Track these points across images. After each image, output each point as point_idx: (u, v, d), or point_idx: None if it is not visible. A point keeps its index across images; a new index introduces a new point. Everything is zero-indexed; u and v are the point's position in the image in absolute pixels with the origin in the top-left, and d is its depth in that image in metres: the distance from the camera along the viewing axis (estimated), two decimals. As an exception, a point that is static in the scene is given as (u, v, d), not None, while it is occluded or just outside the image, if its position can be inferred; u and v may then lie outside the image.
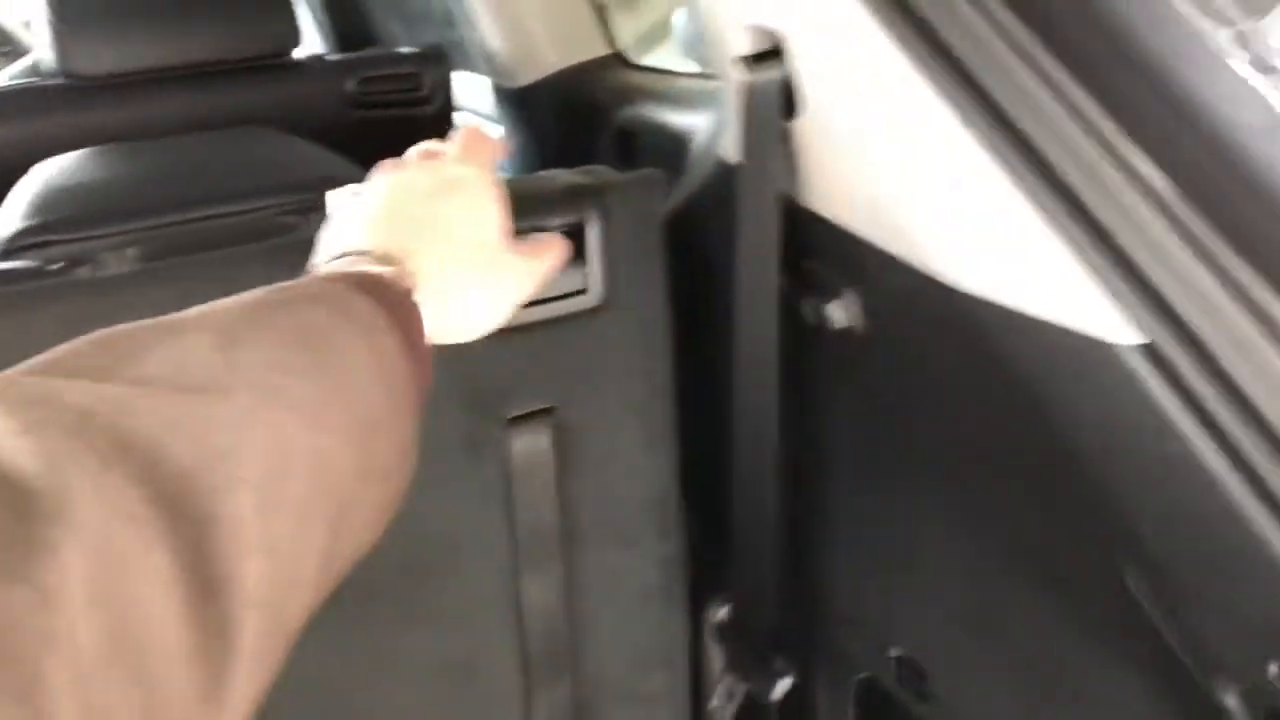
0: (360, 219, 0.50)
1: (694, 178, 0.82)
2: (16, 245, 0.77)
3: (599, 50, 1.26)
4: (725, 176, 0.72)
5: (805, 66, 0.51)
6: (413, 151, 0.54)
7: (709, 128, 0.89)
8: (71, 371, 0.32)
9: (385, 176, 0.52)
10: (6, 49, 2.83)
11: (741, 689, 0.79)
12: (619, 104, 1.13)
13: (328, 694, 0.73)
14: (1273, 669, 0.36)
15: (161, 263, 0.61)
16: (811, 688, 0.74)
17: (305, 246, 0.50)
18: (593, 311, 0.74)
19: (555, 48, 1.26)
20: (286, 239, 0.63)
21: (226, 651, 0.29)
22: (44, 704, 0.23)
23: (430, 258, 0.48)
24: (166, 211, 0.79)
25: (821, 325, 0.59)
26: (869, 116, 0.48)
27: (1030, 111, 0.41)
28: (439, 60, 1.39)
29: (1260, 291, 0.35)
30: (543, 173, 0.76)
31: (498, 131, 1.42)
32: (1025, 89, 0.41)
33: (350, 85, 1.33)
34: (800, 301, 0.60)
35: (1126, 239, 0.37)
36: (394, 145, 0.55)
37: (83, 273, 0.67)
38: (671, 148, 0.97)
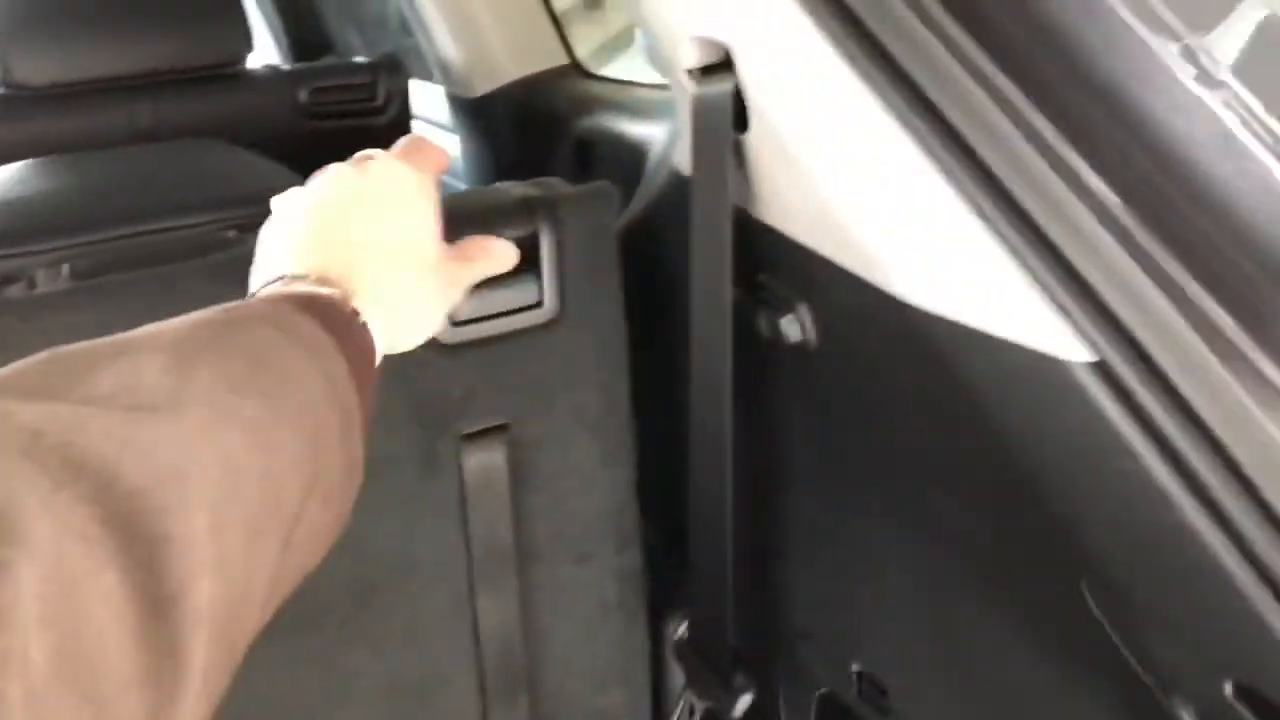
0: (293, 238, 0.49)
1: (650, 189, 0.82)
2: (-53, 262, 0.74)
3: (557, 60, 1.25)
4: (680, 188, 0.71)
5: (753, 79, 0.51)
6: (351, 160, 0.53)
7: (665, 138, 0.89)
8: (22, 391, 0.32)
9: (317, 186, 0.51)
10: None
11: (702, 705, 0.78)
12: (577, 114, 1.13)
13: (281, 717, 0.72)
14: (1228, 688, 0.36)
15: (97, 280, 0.59)
16: (772, 704, 0.74)
17: (248, 262, 0.49)
18: (547, 325, 0.73)
19: (512, 57, 1.25)
20: (228, 254, 0.61)
21: (177, 671, 0.29)
22: None
23: (366, 275, 0.47)
24: (104, 226, 0.77)
25: (776, 339, 0.58)
26: (816, 130, 0.47)
27: (978, 126, 0.40)
28: (394, 69, 1.37)
29: (1210, 307, 0.35)
30: (495, 185, 0.75)
31: (453, 141, 1.41)
32: (973, 103, 0.41)
33: (302, 95, 1.31)
34: (755, 315, 0.59)
35: (1076, 255, 0.37)
36: (348, 156, 0.54)
37: (14, 291, 0.65)
38: (629, 158, 0.96)
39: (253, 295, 0.46)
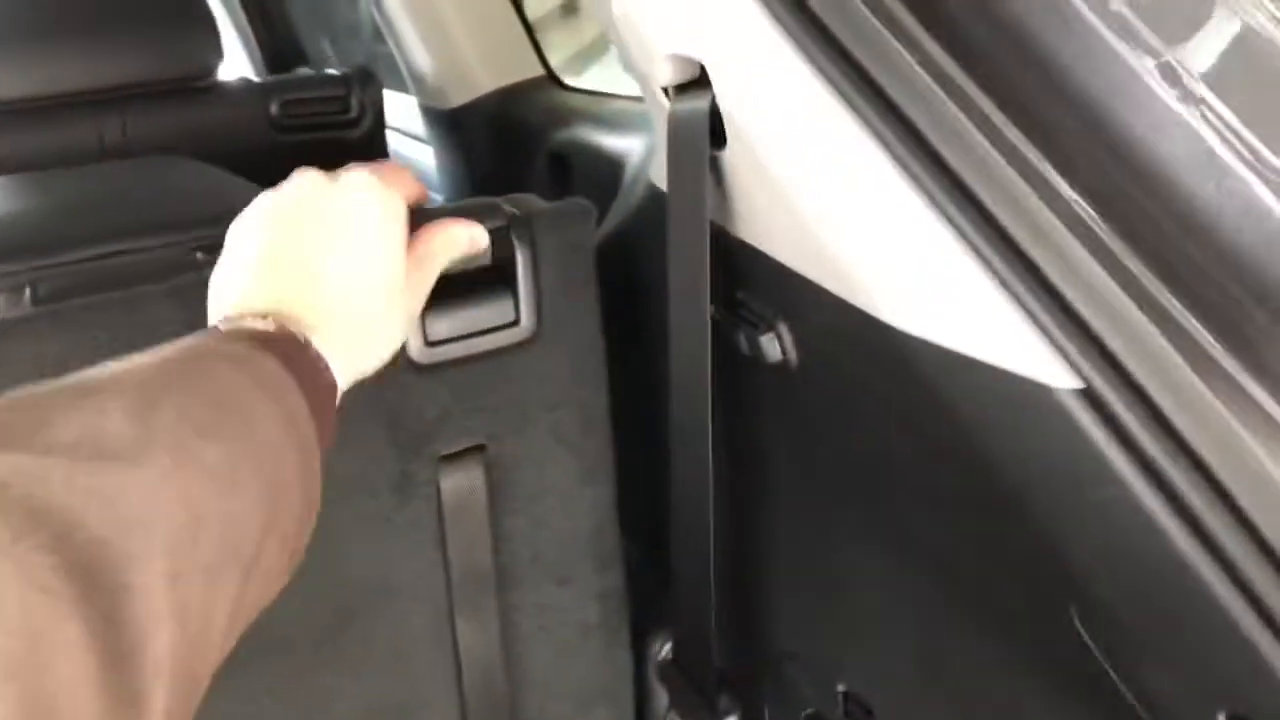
0: (251, 264, 0.48)
1: (627, 203, 0.81)
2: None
3: (531, 71, 1.24)
4: (657, 203, 0.70)
5: (728, 96, 0.50)
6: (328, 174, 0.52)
7: (642, 152, 0.88)
8: None
9: (282, 198, 0.50)
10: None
11: (687, 727, 0.77)
12: (552, 126, 1.12)
13: (258, 746, 0.70)
14: (1221, 718, 0.35)
15: (60, 305, 0.58)
16: (758, 724, 0.73)
17: None
18: (523, 344, 0.72)
19: (486, 69, 1.24)
20: (193, 278, 0.60)
21: None
22: None
23: (326, 305, 0.47)
24: (67, 248, 0.75)
25: (756, 357, 0.57)
26: (793, 148, 0.46)
27: (957, 146, 0.40)
28: (368, 81, 1.36)
29: (1197, 331, 0.35)
30: (467, 201, 0.74)
31: (427, 153, 1.40)
32: (952, 123, 0.40)
33: (274, 108, 1.29)
34: (734, 333, 0.59)
35: (1060, 279, 0.36)
36: (322, 170, 0.52)
37: (-26, 317, 0.63)
38: (606, 171, 0.95)
39: (214, 326, 0.45)
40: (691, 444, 0.61)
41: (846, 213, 0.44)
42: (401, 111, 1.50)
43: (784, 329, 0.55)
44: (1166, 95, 0.41)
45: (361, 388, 0.69)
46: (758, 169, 0.49)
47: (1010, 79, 0.41)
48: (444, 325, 0.69)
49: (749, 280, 0.57)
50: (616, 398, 0.77)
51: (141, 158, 1.08)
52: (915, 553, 0.52)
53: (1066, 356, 0.36)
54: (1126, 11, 0.43)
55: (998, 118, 0.41)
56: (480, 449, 0.73)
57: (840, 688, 0.64)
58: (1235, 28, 0.52)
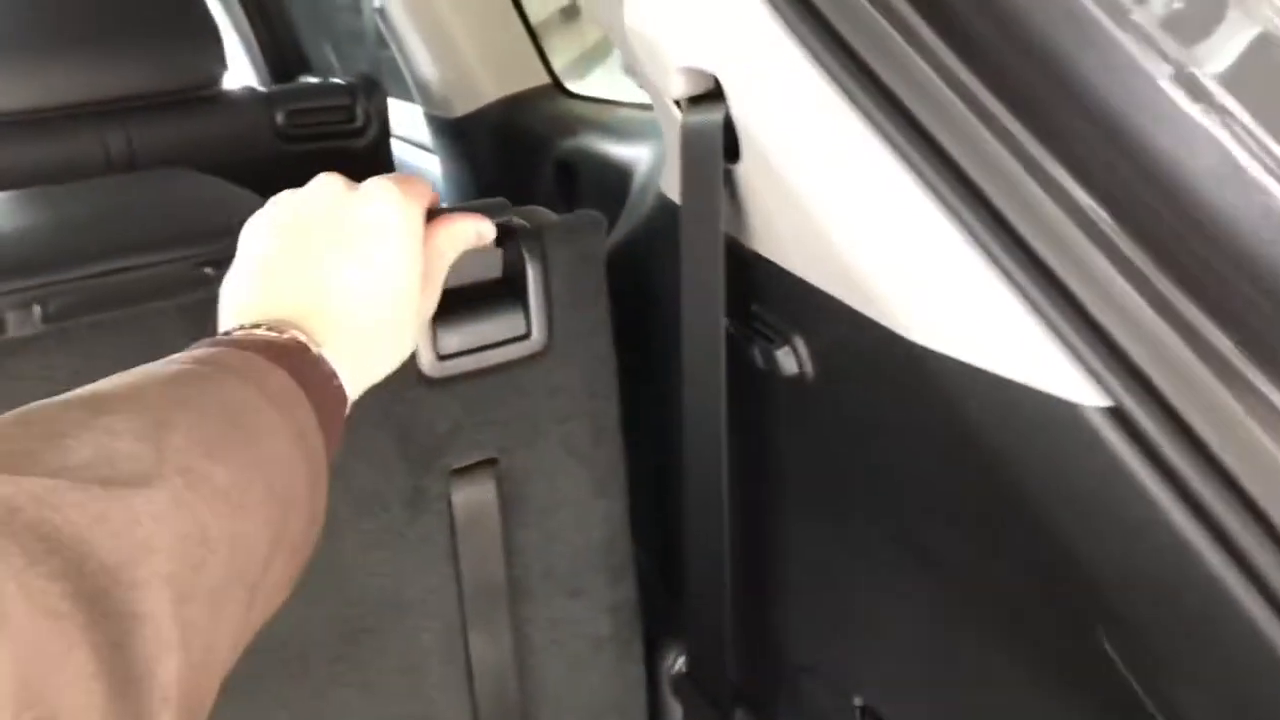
0: (262, 274, 0.47)
1: (636, 213, 0.80)
2: (-87, 304, 0.72)
3: (537, 79, 1.24)
4: (667, 214, 0.70)
5: (743, 109, 0.49)
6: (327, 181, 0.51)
7: (650, 161, 0.87)
8: None
9: (299, 200, 0.50)
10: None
11: (701, 741, 0.77)
12: (559, 135, 1.11)
13: (269, 763, 0.70)
14: (1251, 741, 0.35)
15: (69, 323, 0.57)
16: (773, 737, 0.72)
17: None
18: (534, 357, 0.71)
19: (492, 77, 1.24)
20: (203, 294, 0.59)
21: None
22: None
23: (336, 314, 0.47)
24: (75, 264, 0.75)
25: (772, 371, 0.57)
26: (810, 162, 0.46)
27: (978, 159, 0.39)
28: (372, 89, 1.35)
29: (1227, 348, 0.34)
30: (474, 202, 0.73)
31: (432, 162, 1.39)
32: (971, 135, 0.39)
33: (279, 118, 1.29)
34: (749, 346, 0.58)
35: (1085, 295, 0.36)
36: None
37: (-15, 335, 0.63)
38: (613, 180, 0.95)
39: (225, 334, 0.45)
40: (705, 457, 0.61)
41: (865, 226, 0.44)
42: (406, 120, 1.49)
43: (799, 342, 0.55)
44: (1187, 104, 0.40)
45: (373, 403, 0.69)
46: (773, 182, 0.49)
47: (1028, 89, 0.41)
48: (455, 339, 0.68)
49: (763, 293, 0.57)
50: (624, 408, 0.77)
51: (147, 171, 1.08)
52: (934, 568, 0.52)
53: (1094, 374, 0.36)
54: (1145, 20, 0.42)
55: (1017, 129, 0.40)
56: (492, 462, 0.73)
57: (857, 702, 0.63)
58: (1254, 32, 0.52)
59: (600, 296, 0.73)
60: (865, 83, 0.42)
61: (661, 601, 0.85)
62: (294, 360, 0.43)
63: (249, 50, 1.97)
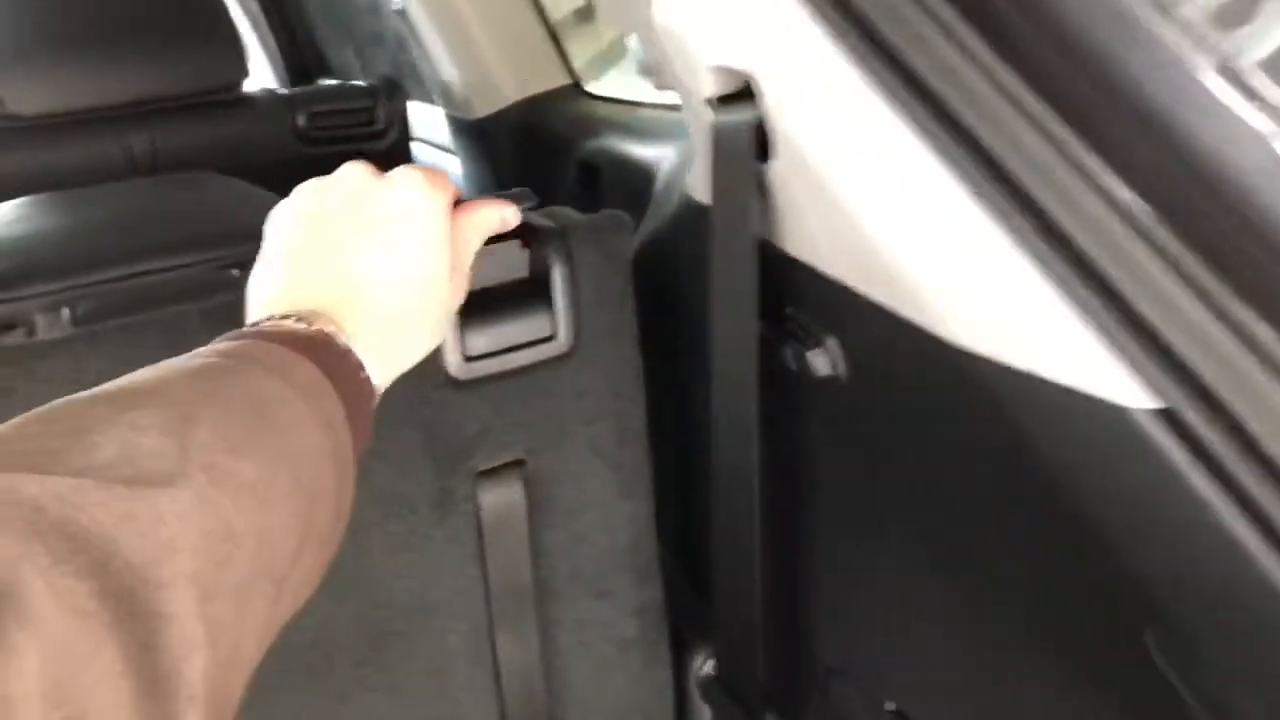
0: (288, 264, 0.47)
1: (661, 214, 0.80)
2: (-56, 309, 0.73)
3: (558, 80, 1.24)
4: (695, 216, 0.69)
5: (777, 108, 0.49)
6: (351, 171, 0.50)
7: (675, 161, 0.87)
8: (22, 460, 0.32)
9: (326, 188, 0.49)
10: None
11: (729, 744, 0.76)
12: (580, 136, 1.11)
13: (297, 763, 0.70)
14: (1306, 748, 0.34)
15: (97, 326, 0.58)
16: (802, 742, 0.72)
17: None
18: (561, 359, 0.71)
19: (512, 79, 1.24)
20: (230, 297, 0.59)
21: None
22: None
23: (365, 304, 0.46)
24: (103, 267, 0.76)
25: (803, 372, 0.56)
26: (847, 160, 0.45)
27: (1021, 157, 0.38)
28: (393, 92, 1.35)
29: (1278, 348, 0.33)
30: (496, 194, 0.73)
31: (453, 163, 1.39)
32: (1016, 134, 0.39)
33: (301, 120, 1.29)
34: (780, 348, 0.58)
35: (1135, 295, 0.35)
36: None
37: (14, 338, 0.63)
38: (636, 181, 0.94)
39: (252, 326, 0.45)
40: (736, 458, 0.60)
41: (904, 226, 0.43)
42: (427, 122, 1.49)
43: (833, 344, 0.54)
44: (1231, 98, 0.39)
45: (400, 404, 0.69)
46: (808, 182, 0.48)
47: (1070, 86, 0.40)
48: (482, 340, 0.68)
49: (796, 294, 0.56)
50: (652, 410, 0.76)
51: (170, 174, 1.08)
52: (971, 572, 0.51)
53: (1144, 376, 0.35)
54: (1189, 14, 0.42)
55: (1060, 128, 0.40)
56: (519, 464, 0.72)
57: (889, 706, 0.62)
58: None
59: (626, 297, 0.73)
60: (905, 80, 0.41)
61: (687, 603, 0.85)
62: (321, 351, 0.42)
63: (268, 53, 1.98)
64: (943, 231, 0.41)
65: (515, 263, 0.70)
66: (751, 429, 0.58)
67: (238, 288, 0.49)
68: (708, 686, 0.77)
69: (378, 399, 0.47)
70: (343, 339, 0.44)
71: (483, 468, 0.71)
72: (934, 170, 0.41)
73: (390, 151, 1.34)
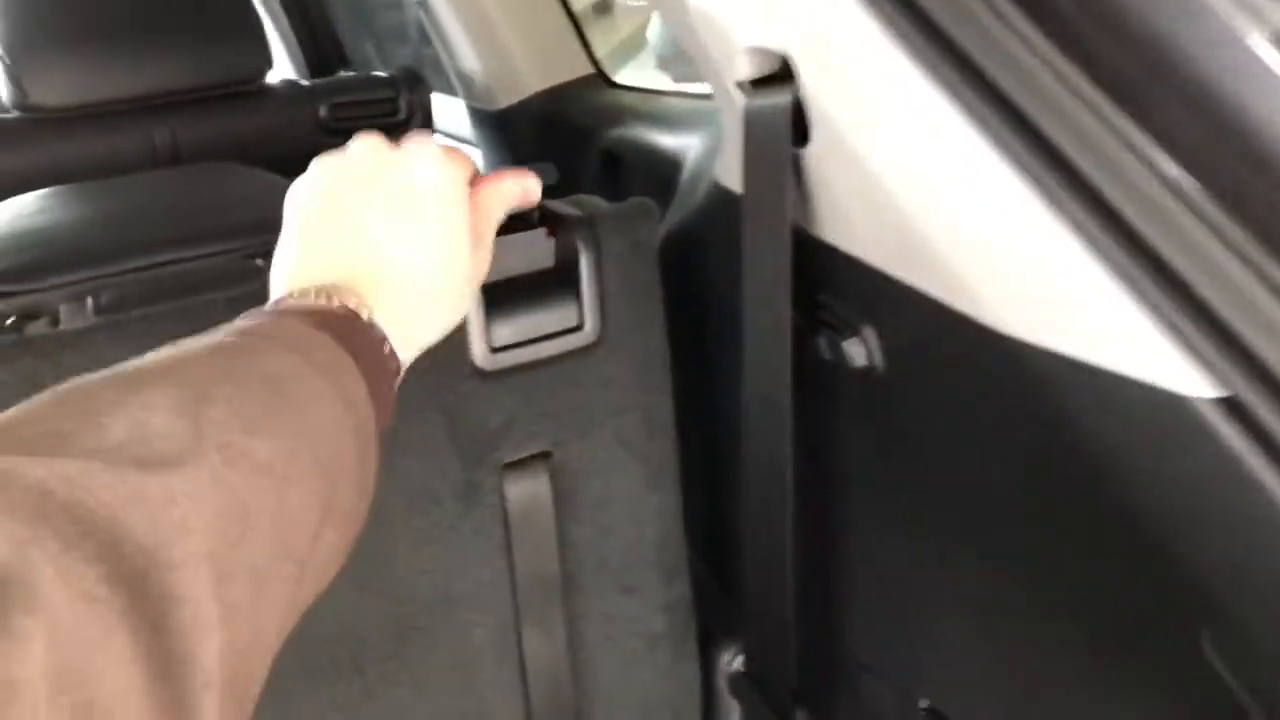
0: (306, 239, 0.46)
1: (688, 204, 0.79)
2: (-32, 299, 0.72)
3: (580, 70, 1.23)
4: (726, 204, 0.68)
5: (816, 89, 0.47)
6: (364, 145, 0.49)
7: (702, 150, 0.86)
8: (30, 443, 0.31)
9: (342, 162, 0.48)
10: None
11: (758, 742, 0.75)
12: (604, 126, 1.10)
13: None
14: (1378, 754, 0.33)
15: (121, 315, 0.57)
16: (834, 739, 0.71)
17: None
18: (587, 349, 0.70)
19: (535, 69, 1.23)
20: (253, 287, 0.59)
21: None
22: None
23: (387, 276, 0.45)
24: (127, 257, 0.75)
25: (838, 363, 0.55)
26: (890, 143, 0.44)
27: (1074, 136, 0.37)
28: (415, 83, 1.35)
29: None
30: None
31: (476, 155, 1.38)
32: (1068, 113, 0.37)
33: (323, 111, 1.28)
34: (813, 338, 0.56)
35: (1196, 280, 0.34)
36: None
37: (38, 327, 0.63)
38: (661, 171, 0.93)
39: (273, 304, 0.44)
40: (769, 452, 0.59)
41: (950, 210, 0.42)
42: (448, 114, 1.49)
43: (869, 333, 0.53)
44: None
45: (425, 396, 0.68)
46: (848, 166, 0.47)
47: (1120, 63, 0.39)
48: (508, 331, 0.67)
49: (830, 282, 0.55)
50: (679, 402, 0.75)
51: (193, 165, 1.08)
52: (1014, 567, 0.50)
53: (1206, 363, 0.34)
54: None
55: (1111, 109, 0.38)
56: (545, 456, 0.72)
57: (923, 703, 0.61)
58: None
59: (653, 287, 0.72)
60: (952, 59, 0.40)
61: (714, 598, 0.83)
62: (342, 327, 0.42)
63: (288, 48, 1.98)
64: (990, 214, 0.40)
65: (541, 252, 0.69)
66: (785, 421, 0.57)
67: (261, 277, 0.49)
68: (737, 683, 0.75)
69: (402, 375, 0.46)
70: (365, 313, 0.43)
71: (509, 460, 0.70)
72: (981, 151, 0.39)
73: (413, 142, 1.33)
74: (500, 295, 0.67)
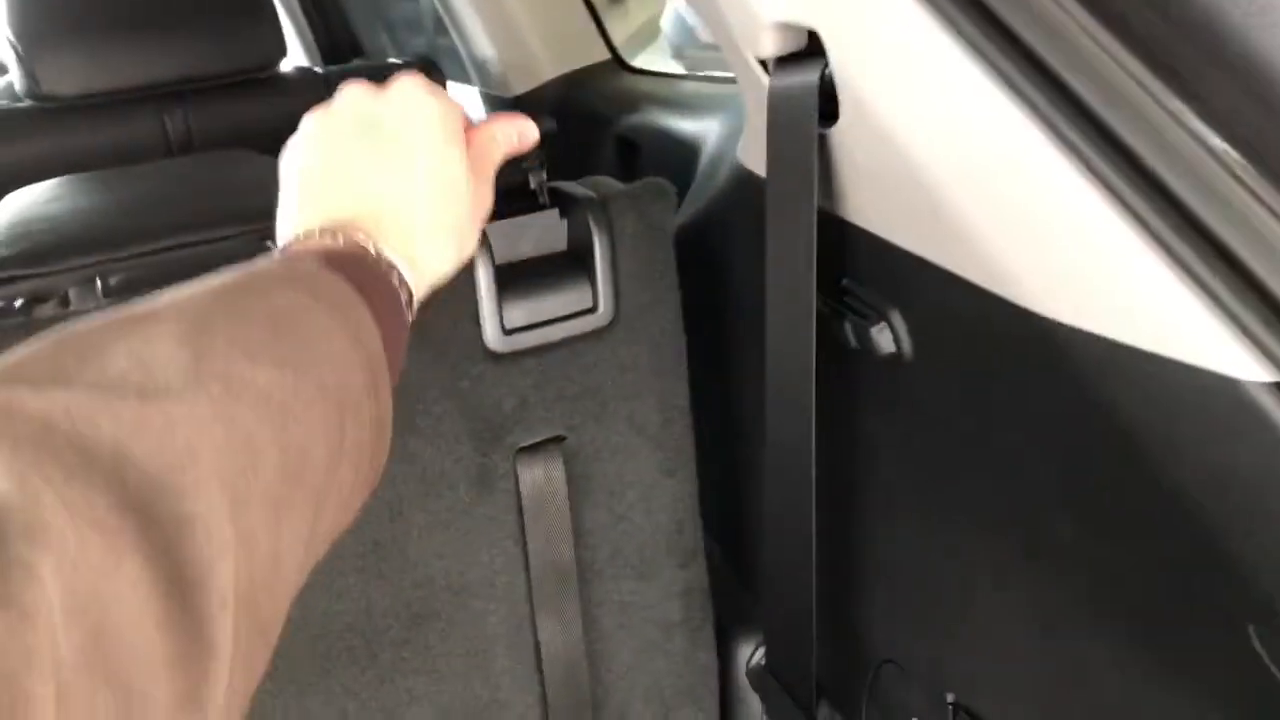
0: (312, 178, 0.47)
1: (708, 187, 0.77)
2: (-21, 282, 0.72)
3: (596, 56, 1.21)
4: (745, 186, 0.67)
5: (845, 65, 0.46)
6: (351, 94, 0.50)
7: (722, 134, 0.84)
8: (32, 378, 0.31)
9: (334, 112, 0.49)
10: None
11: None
12: (619, 111, 1.08)
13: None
14: None
15: (129, 298, 0.56)
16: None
17: None
18: (601, 331, 0.69)
19: (550, 55, 1.22)
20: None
21: (205, 655, 0.29)
22: None
23: (392, 211, 0.46)
24: (137, 241, 0.75)
25: (864, 349, 0.54)
26: (924, 121, 0.43)
27: (1124, 115, 0.36)
28: (431, 71, 1.33)
29: None
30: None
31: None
32: (1115, 87, 0.36)
33: (337, 98, 1.27)
34: (838, 323, 0.55)
35: (1252, 259, 0.32)
36: None
37: (47, 309, 0.63)
38: (679, 156, 0.92)
39: (282, 248, 0.45)
40: (792, 441, 0.58)
41: (989, 191, 0.40)
42: (464, 103, 1.48)
43: (897, 318, 0.52)
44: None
45: (438, 379, 0.67)
46: (879, 145, 0.46)
47: (1166, 37, 0.37)
48: (520, 312, 0.66)
49: (857, 267, 0.54)
50: (696, 388, 0.74)
51: (206, 153, 1.07)
52: (1048, 559, 0.48)
53: (1261, 346, 0.32)
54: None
55: (1156, 85, 0.37)
56: (559, 440, 0.71)
57: (949, 699, 0.60)
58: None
59: (668, 269, 0.71)
60: (993, 33, 0.38)
61: (730, 588, 0.82)
62: (348, 263, 0.42)
63: (301, 33, 1.97)
64: (1034, 194, 0.39)
65: (553, 234, 0.68)
66: (808, 410, 0.56)
67: None
68: (757, 676, 0.74)
69: (414, 310, 0.47)
70: (370, 244, 0.44)
71: (523, 444, 0.70)
72: (1024, 128, 0.38)
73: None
74: (513, 277, 0.66)
